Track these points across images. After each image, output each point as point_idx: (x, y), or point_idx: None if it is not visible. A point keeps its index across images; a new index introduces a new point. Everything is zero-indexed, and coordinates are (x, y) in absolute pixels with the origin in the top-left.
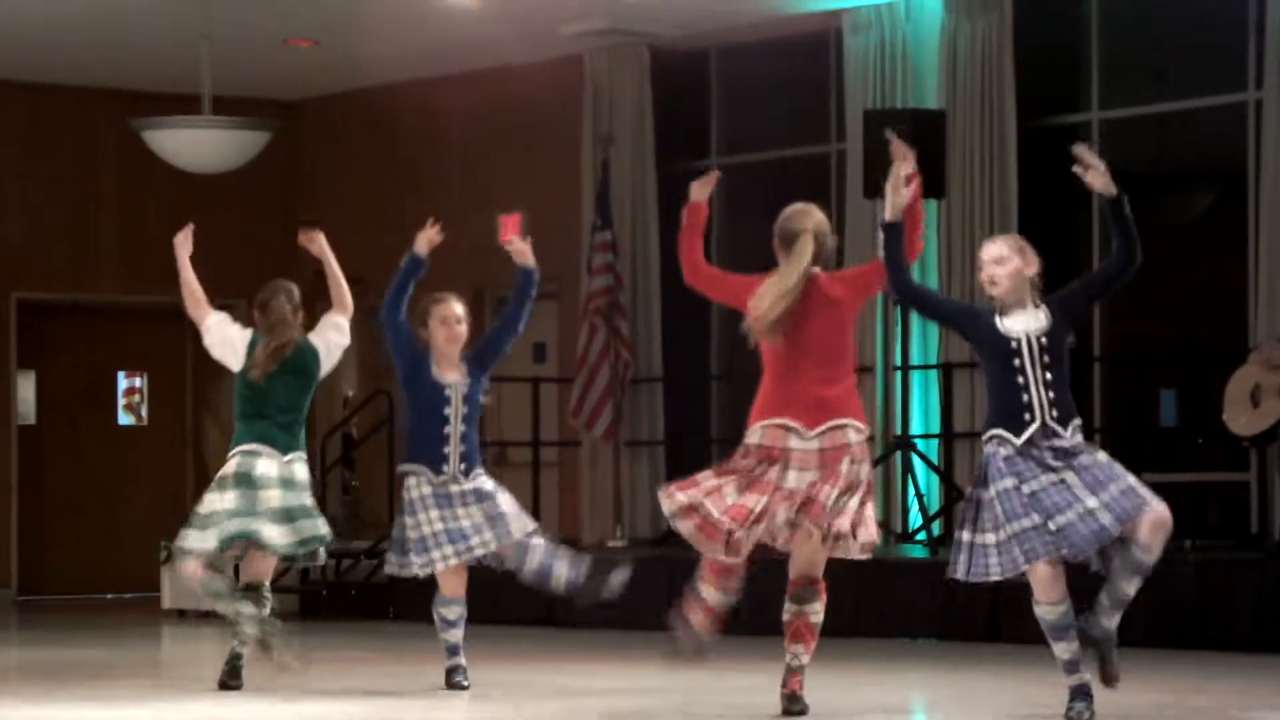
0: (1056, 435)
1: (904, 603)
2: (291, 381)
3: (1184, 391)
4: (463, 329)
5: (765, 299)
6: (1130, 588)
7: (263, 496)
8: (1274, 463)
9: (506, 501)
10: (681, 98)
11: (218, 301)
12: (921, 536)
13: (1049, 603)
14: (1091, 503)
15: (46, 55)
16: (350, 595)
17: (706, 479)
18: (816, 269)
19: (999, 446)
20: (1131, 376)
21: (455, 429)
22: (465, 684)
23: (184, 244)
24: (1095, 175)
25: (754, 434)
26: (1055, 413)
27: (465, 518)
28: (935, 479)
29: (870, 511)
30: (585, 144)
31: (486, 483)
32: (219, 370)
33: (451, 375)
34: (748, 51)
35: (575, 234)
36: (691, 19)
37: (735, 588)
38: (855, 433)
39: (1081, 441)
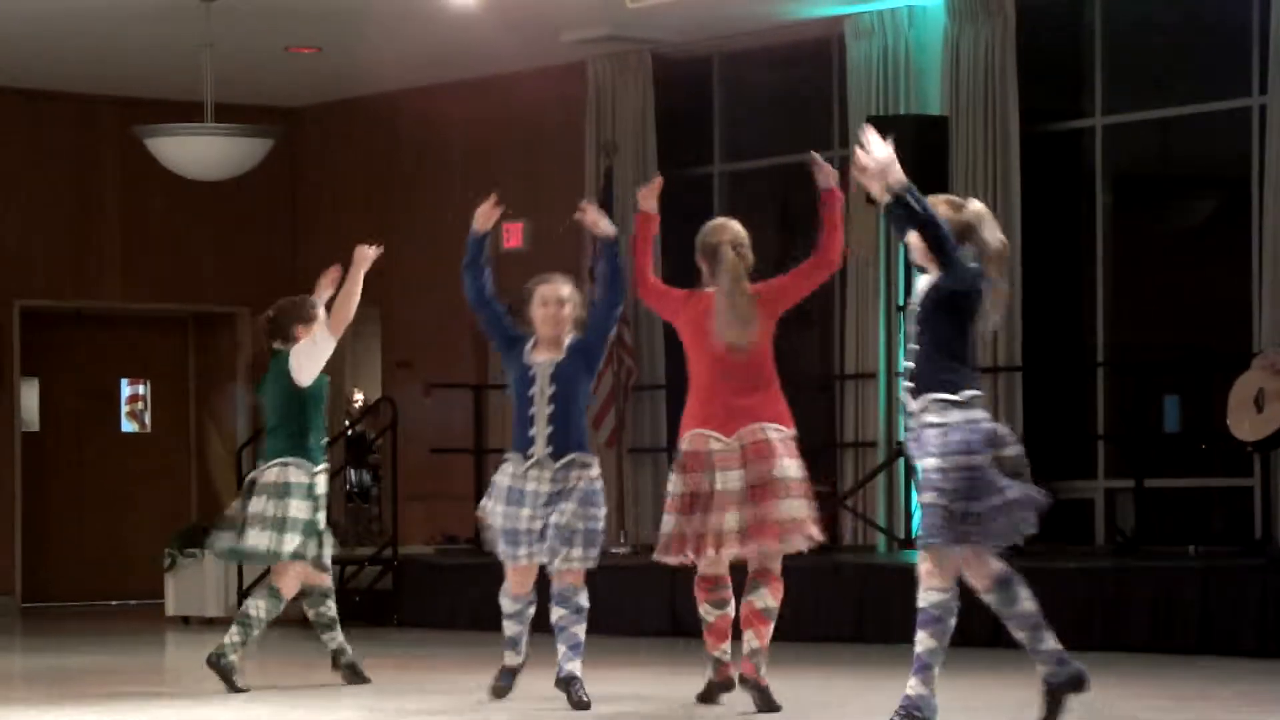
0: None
1: (908, 609)
2: (273, 391)
3: (1187, 397)
4: (566, 310)
5: (728, 329)
6: None
7: None
8: (1278, 468)
9: (577, 514)
10: (684, 105)
11: (223, 309)
12: None
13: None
14: None
15: (49, 63)
16: (354, 601)
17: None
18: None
19: None
20: (1134, 382)
21: (541, 410)
22: (501, 686)
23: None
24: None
25: (684, 443)
26: (911, 383)
27: (527, 519)
28: None
29: (808, 508)
30: (588, 152)
31: (578, 477)
32: (222, 378)
33: (542, 356)
34: (750, 58)
35: (578, 242)
36: (694, 26)
37: (726, 597)
38: (775, 432)
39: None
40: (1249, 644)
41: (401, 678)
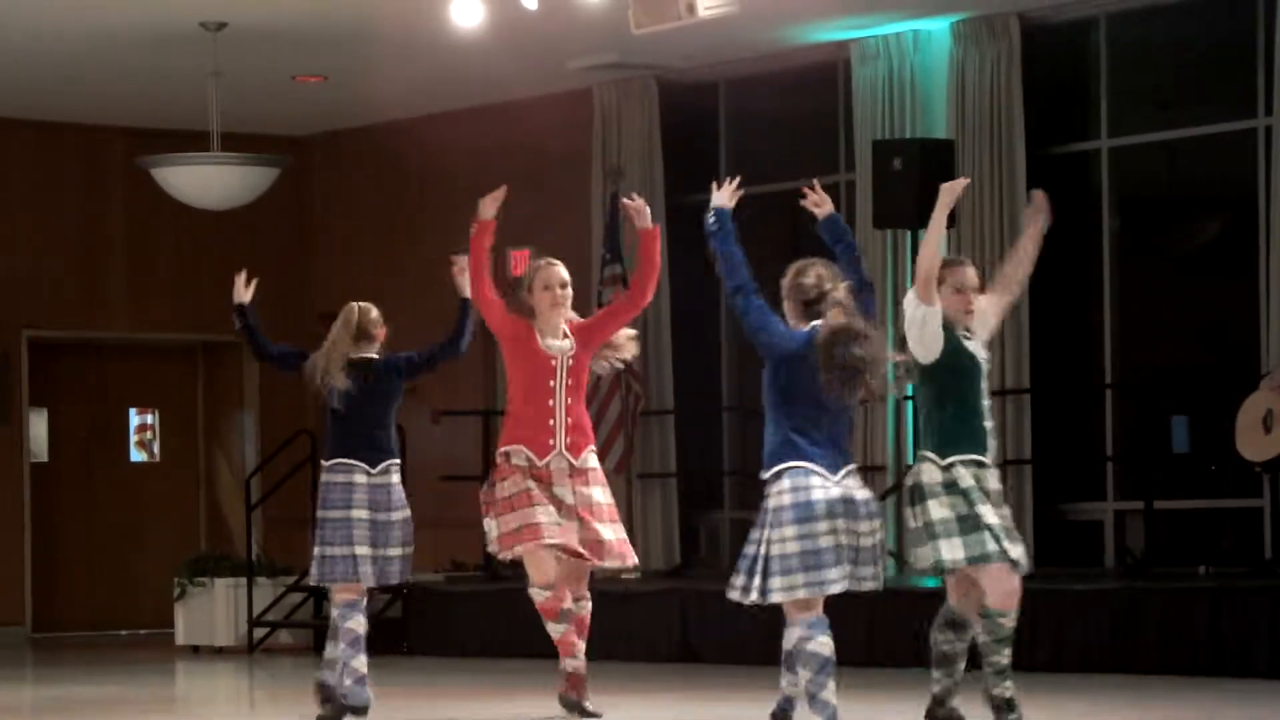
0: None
1: (917, 631)
2: None
3: (1196, 418)
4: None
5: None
6: None
7: None
8: None
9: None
10: (690, 130)
11: (231, 338)
12: None
13: None
14: None
15: (56, 94)
16: None
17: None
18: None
19: None
20: (1143, 403)
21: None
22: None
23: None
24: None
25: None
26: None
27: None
28: None
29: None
30: (594, 177)
31: None
32: (230, 406)
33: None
34: (756, 83)
35: (585, 267)
36: (699, 52)
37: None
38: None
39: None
40: (1260, 665)
41: (410, 705)
